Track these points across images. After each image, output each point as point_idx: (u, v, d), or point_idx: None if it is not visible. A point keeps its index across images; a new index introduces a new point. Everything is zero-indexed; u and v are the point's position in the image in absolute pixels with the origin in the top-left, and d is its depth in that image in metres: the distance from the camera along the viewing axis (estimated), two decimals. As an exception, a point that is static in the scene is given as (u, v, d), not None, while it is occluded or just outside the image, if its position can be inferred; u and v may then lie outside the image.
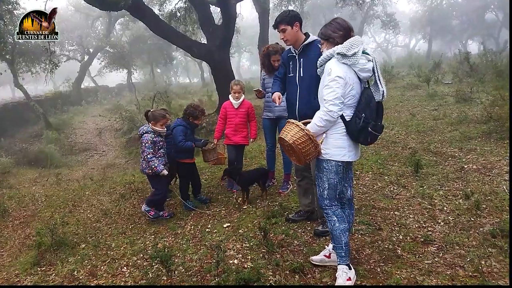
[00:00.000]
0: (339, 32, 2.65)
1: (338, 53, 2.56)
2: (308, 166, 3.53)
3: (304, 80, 3.32)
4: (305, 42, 3.31)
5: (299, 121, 2.97)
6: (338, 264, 2.74)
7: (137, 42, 25.75)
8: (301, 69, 3.34)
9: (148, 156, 4.19)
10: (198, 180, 4.92)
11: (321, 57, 2.71)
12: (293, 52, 3.41)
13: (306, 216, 3.84)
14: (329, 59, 2.64)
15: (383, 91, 2.65)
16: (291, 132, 2.63)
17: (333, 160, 2.66)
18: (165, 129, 4.43)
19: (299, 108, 3.37)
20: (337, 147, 2.64)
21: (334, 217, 2.71)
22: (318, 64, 2.76)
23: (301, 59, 3.35)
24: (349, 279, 2.67)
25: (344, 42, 2.59)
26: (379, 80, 2.63)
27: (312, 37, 3.32)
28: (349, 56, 2.53)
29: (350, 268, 2.72)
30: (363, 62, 2.56)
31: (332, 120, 2.58)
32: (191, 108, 4.69)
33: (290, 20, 3.30)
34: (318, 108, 3.06)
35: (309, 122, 2.71)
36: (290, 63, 3.45)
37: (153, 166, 4.19)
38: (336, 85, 2.52)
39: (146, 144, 4.20)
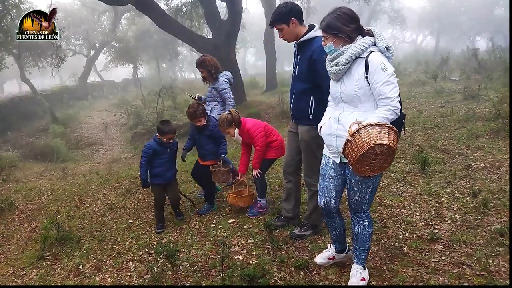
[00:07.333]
0: (351, 25, 2.31)
1: (385, 47, 2.29)
2: (297, 169, 3.43)
3: (297, 78, 3.10)
4: (302, 39, 2.98)
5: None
6: (354, 264, 2.71)
7: (142, 37, 25.79)
8: (298, 66, 3.08)
9: None
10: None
11: (347, 54, 2.30)
12: (295, 46, 3.11)
13: (286, 221, 3.63)
14: (359, 55, 2.30)
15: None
16: (380, 134, 2.12)
17: None
18: None
19: (292, 107, 3.22)
20: None
21: (366, 221, 2.61)
22: (344, 61, 2.31)
23: (299, 56, 3.06)
24: (363, 279, 2.65)
25: (376, 35, 2.32)
26: None
27: (311, 33, 2.95)
28: (390, 49, 2.32)
29: (364, 269, 2.71)
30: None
31: (396, 117, 2.29)
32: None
33: (285, 18, 2.95)
34: (305, 109, 3.00)
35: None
36: (295, 57, 3.15)
37: None
38: (395, 79, 2.26)
39: None
